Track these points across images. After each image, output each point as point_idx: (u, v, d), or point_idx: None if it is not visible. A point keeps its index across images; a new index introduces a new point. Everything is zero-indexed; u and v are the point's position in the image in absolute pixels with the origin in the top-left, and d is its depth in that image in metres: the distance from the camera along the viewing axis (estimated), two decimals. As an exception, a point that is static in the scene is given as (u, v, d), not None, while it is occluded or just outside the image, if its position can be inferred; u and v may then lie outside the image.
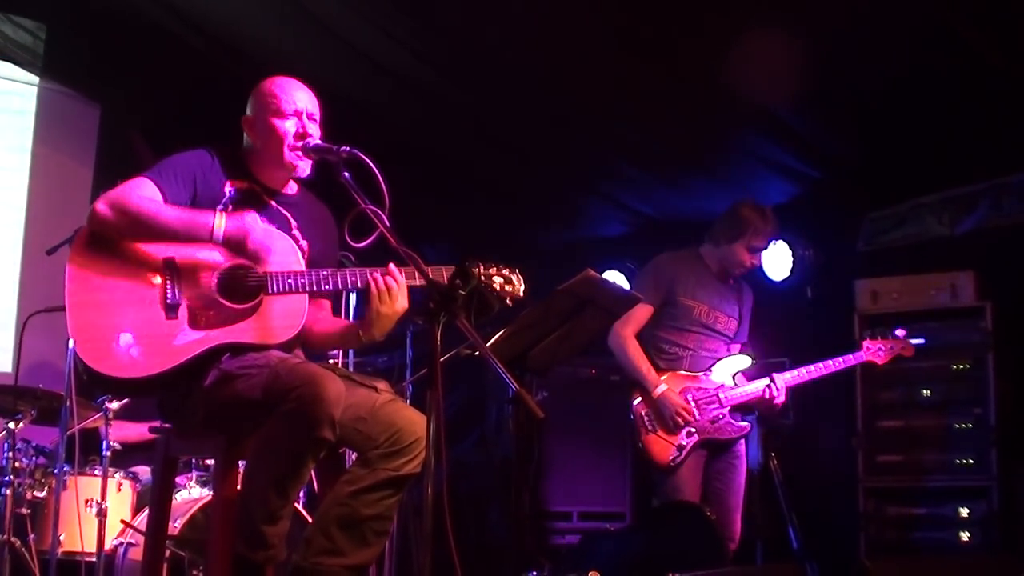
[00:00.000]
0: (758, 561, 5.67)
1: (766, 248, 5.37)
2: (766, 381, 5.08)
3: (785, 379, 5.10)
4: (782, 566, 5.50)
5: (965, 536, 5.74)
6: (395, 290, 3.38)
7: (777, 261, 6.80)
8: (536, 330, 3.82)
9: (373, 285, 3.37)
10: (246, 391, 3.28)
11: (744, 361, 5.22)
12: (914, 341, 5.32)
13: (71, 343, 3.36)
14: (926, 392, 6.00)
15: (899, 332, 5.34)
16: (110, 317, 3.29)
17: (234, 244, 3.35)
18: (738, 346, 5.37)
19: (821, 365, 5.16)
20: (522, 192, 7.19)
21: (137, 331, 3.29)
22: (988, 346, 5.83)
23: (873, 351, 5.28)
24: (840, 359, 5.21)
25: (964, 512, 5.76)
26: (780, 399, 5.08)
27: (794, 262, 6.71)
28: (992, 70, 5.33)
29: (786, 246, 6.74)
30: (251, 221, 3.38)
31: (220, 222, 3.34)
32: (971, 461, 5.79)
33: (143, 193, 3.37)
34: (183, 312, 3.34)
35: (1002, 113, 5.65)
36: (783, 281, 6.72)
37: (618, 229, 7.59)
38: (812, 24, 5.18)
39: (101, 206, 3.32)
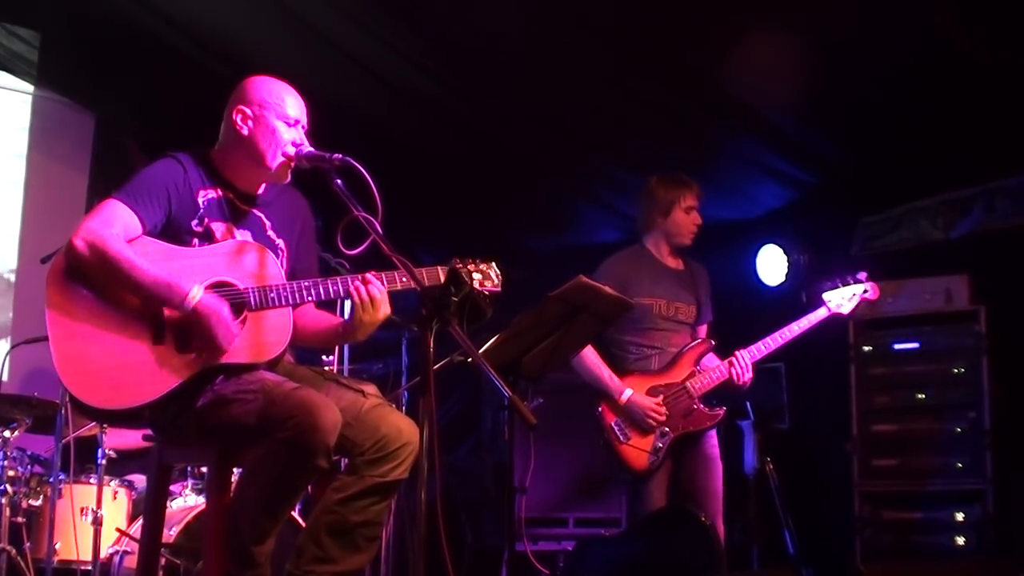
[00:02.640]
0: (754, 566, 5.67)
1: (698, 205, 5.18)
2: (727, 362, 4.98)
3: (750, 353, 4.98)
4: (778, 571, 5.51)
5: (961, 540, 5.73)
6: (377, 298, 3.37)
7: (772, 266, 6.81)
8: (529, 336, 3.82)
9: (355, 295, 3.36)
10: (241, 416, 3.27)
11: (704, 347, 5.11)
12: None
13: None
14: (921, 396, 5.98)
15: (861, 275, 5.22)
16: (95, 346, 3.24)
17: (198, 321, 3.25)
18: (704, 328, 5.25)
19: (786, 331, 5.04)
20: (517, 198, 7.19)
21: (125, 359, 3.25)
22: (982, 350, 5.83)
23: (836, 304, 5.17)
24: (804, 319, 5.09)
25: (959, 516, 5.75)
26: (747, 375, 4.96)
27: (789, 267, 6.72)
28: (985, 74, 5.34)
29: (780, 251, 6.76)
30: (224, 316, 3.28)
31: (196, 293, 3.26)
32: (966, 465, 5.78)
33: (120, 228, 3.29)
34: (169, 336, 3.30)
35: (995, 116, 5.66)
36: (778, 286, 6.73)
37: (613, 235, 7.57)
38: (806, 29, 5.19)
39: (79, 244, 3.24)
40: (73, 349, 3.23)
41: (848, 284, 5.22)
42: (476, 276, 3.47)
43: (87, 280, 3.29)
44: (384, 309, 3.39)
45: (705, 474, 5.03)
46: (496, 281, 3.52)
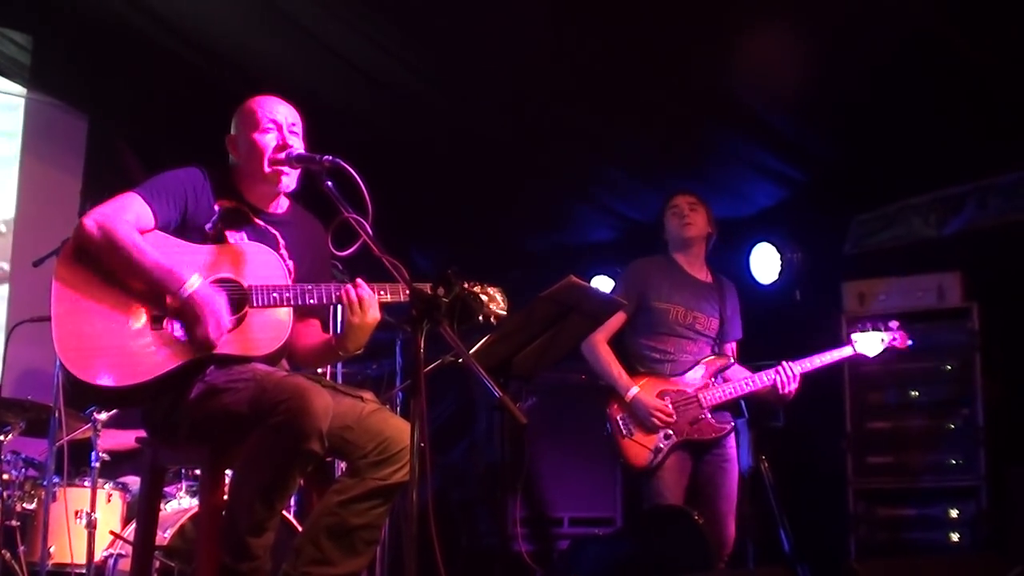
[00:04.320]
0: (749, 564, 5.68)
1: (680, 204, 5.25)
2: (774, 370, 4.99)
3: (802, 367, 4.99)
4: (773, 568, 5.50)
5: (955, 536, 5.75)
6: (366, 301, 3.39)
7: (765, 264, 6.82)
8: (519, 337, 3.82)
9: (344, 297, 3.39)
10: (232, 405, 3.29)
11: (723, 362, 5.15)
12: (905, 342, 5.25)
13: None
14: (914, 393, 6.00)
15: (892, 323, 5.23)
16: (95, 327, 3.30)
17: (191, 311, 3.29)
18: (732, 344, 5.29)
19: (816, 358, 5.07)
20: (510, 197, 7.20)
21: (122, 341, 3.30)
22: (975, 347, 5.85)
23: (863, 345, 5.19)
24: (830, 353, 5.11)
25: (954, 513, 5.77)
26: (792, 385, 4.98)
27: (782, 265, 6.72)
28: (977, 71, 5.35)
29: (774, 249, 6.76)
30: (218, 305, 3.32)
31: (195, 281, 3.31)
32: (960, 462, 5.81)
33: (132, 216, 3.37)
34: (167, 323, 3.35)
35: (987, 114, 5.67)
36: (771, 284, 6.73)
37: (606, 234, 7.60)
38: (798, 28, 5.20)
39: (90, 224, 3.32)
40: (74, 326, 3.29)
41: (878, 329, 5.21)
42: (482, 299, 3.51)
43: (93, 261, 3.34)
44: (373, 313, 3.41)
45: (720, 475, 5.08)
46: (502, 304, 3.55)
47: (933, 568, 5.24)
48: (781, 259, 6.72)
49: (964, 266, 6.02)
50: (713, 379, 5.09)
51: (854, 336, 5.21)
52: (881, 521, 5.99)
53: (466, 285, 3.48)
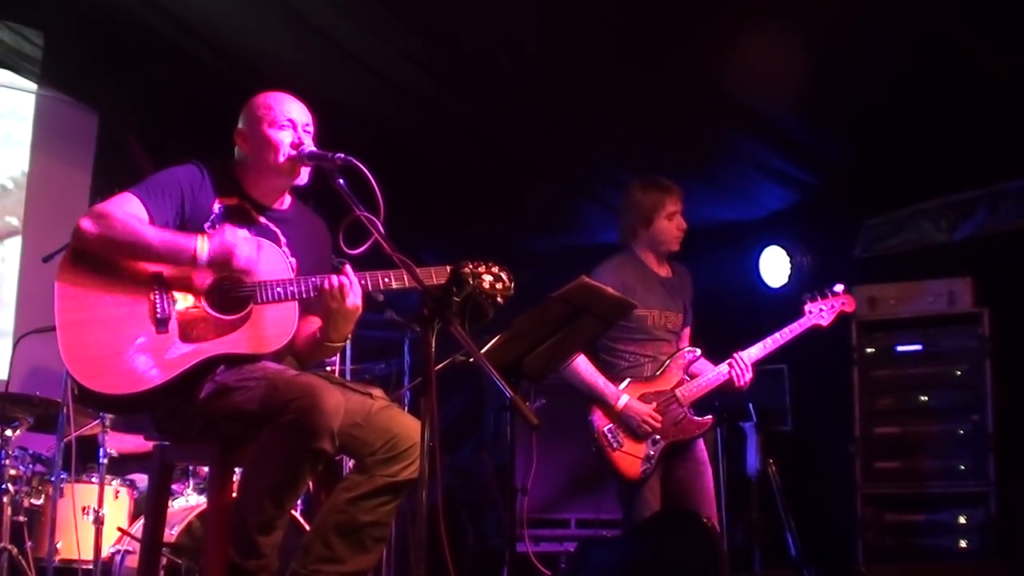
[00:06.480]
0: (756, 568, 5.67)
1: (682, 208, 5.07)
2: (727, 363, 4.92)
3: (749, 355, 4.92)
4: (780, 573, 5.51)
5: (963, 543, 5.73)
6: (345, 288, 3.36)
7: (775, 267, 6.81)
8: (531, 337, 3.81)
9: (324, 283, 3.37)
10: (244, 403, 3.28)
11: (692, 355, 5.04)
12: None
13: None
14: (924, 398, 5.98)
15: (838, 287, 5.15)
16: (101, 335, 3.27)
17: (219, 264, 3.33)
18: (687, 331, 5.17)
19: (777, 335, 4.98)
20: (520, 198, 7.19)
21: (129, 347, 3.28)
22: (986, 352, 5.82)
23: (816, 314, 5.08)
24: (788, 329, 5.01)
25: (962, 518, 5.75)
26: (747, 376, 4.90)
27: (792, 269, 6.72)
28: (990, 77, 5.33)
29: (783, 252, 6.75)
30: (232, 237, 3.34)
31: (203, 245, 3.31)
32: (969, 467, 5.78)
33: (129, 210, 3.35)
34: (173, 326, 3.33)
35: (999, 119, 5.65)
36: (780, 287, 6.72)
37: (615, 236, 7.56)
38: (810, 31, 5.19)
39: (85, 222, 3.30)
40: (79, 337, 3.27)
41: (827, 296, 5.13)
42: (487, 278, 3.48)
43: (93, 261, 3.32)
44: (352, 300, 3.37)
45: (699, 479, 4.96)
46: (507, 283, 3.52)
47: (941, 574, 5.24)
48: (791, 262, 6.71)
49: (975, 271, 6.00)
50: (685, 374, 4.99)
51: (807, 307, 5.10)
52: (889, 526, 5.97)
53: (471, 265, 3.45)
